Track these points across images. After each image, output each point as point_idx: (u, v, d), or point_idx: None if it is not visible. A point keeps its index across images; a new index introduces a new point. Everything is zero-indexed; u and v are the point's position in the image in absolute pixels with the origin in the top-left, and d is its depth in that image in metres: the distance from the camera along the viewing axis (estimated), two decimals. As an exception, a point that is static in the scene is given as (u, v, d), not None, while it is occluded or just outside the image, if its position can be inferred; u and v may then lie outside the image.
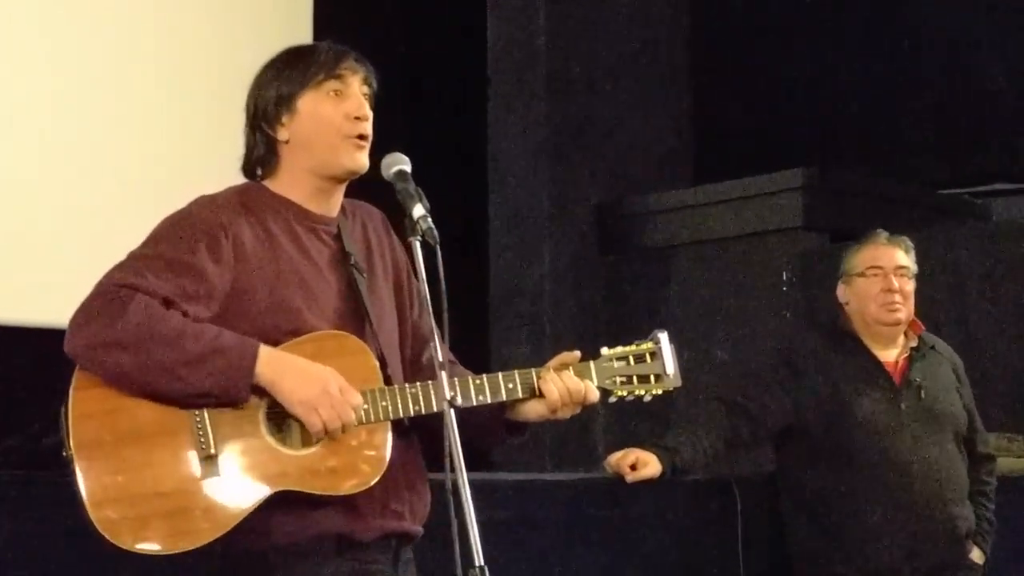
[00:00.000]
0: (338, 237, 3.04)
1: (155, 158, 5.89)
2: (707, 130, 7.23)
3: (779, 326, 6.06)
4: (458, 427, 2.80)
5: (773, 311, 6.19)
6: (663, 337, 3.10)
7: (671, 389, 3.11)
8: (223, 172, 3.19)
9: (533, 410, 3.04)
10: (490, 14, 7.05)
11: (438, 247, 2.85)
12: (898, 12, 6.88)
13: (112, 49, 5.88)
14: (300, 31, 6.30)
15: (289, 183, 3.02)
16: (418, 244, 2.86)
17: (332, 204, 3.06)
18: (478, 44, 7.06)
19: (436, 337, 2.83)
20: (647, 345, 3.09)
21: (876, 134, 6.86)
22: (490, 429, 3.09)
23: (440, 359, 2.81)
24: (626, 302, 6.82)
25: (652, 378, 3.08)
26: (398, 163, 2.95)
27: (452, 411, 2.77)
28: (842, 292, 4.65)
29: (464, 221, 6.75)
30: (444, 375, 2.80)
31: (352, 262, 3.02)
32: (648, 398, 3.11)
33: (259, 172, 3.05)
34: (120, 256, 2.90)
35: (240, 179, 3.10)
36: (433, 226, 2.84)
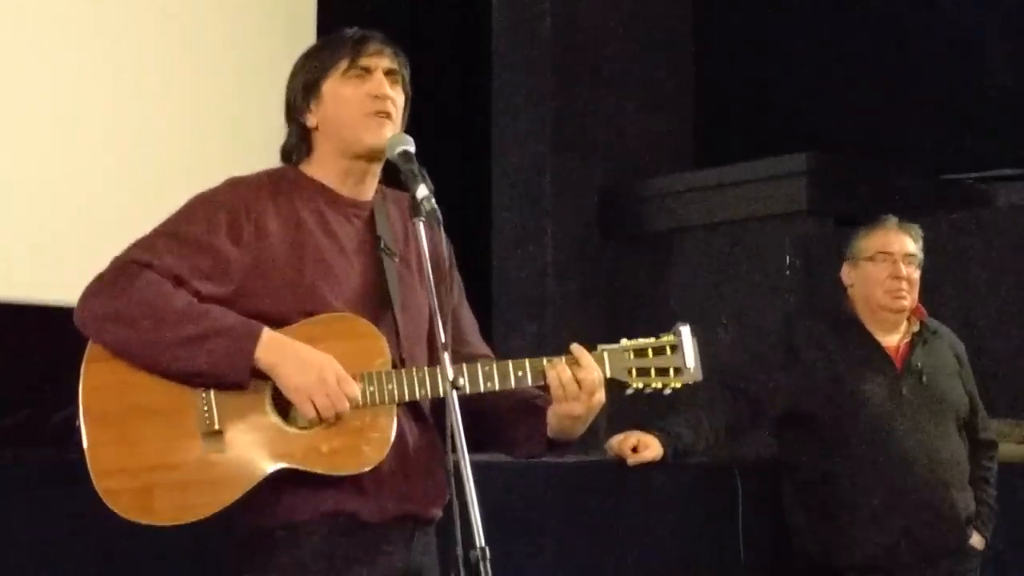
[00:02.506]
0: (370, 221, 3.06)
1: (176, 140, 5.89)
2: (710, 114, 7.21)
3: (782, 310, 6.06)
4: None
5: (776, 295, 6.18)
6: (684, 330, 3.08)
7: (691, 383, 3.09)
8: (245, 155, 3.21)
9: (554, 414, 3.02)
10: (495, 2, 7.04)
11: (442, 228, 2.87)
12: (903, -2, 6.88)
13: (126, 40, 5.88)
14: (304, 24, 6.30)
15: (321, 167, 3.06)
16: (422, 224, 2.88)
17: (365, 187, 3.08)
18: (482, 28, 7.05)
19: (438, 318, 2.82)
20: (668, 338, 3.07)
21: (880, 119, 6.84)
22: (528, 439, 3.09)
23: (443, 340, 2.81)
24: (629, 286, 6.81)
25: (672, 371, 3.06)
26: (402, 143, 2.97)
27: (455, 393, 2.76)
28: (847, 274, 4.65)
29: (467, 205, 6.75)
30: (447, 356, 2.80)
31: (382, 246, 3.03)
32: (668, 391, 3.09)
33: (294, 158, 3.10)
34: (135, 234, 2.95)
35: (266, 162, 3.15)
36: (437, 207, 2.85)
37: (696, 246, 6.61)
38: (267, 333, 2.86)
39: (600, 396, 3.00)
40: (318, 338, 2.89)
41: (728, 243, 6.46)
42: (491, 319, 6.58)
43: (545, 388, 3.00)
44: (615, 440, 4.37)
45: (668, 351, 3.06)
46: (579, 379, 2.97)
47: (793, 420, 4.58)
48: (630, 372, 3.04)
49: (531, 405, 3.07)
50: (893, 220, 4.63)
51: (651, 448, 4.31)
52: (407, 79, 3.11)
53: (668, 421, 4.41)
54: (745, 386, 4.58)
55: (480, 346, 3.23)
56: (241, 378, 2.85)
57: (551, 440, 3.07)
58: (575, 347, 3.01)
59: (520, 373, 2.97)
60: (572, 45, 6.94)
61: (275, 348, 2.85)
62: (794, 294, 6.13)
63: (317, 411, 2.85)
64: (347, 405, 2.86)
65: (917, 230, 4.63)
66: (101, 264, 2.92)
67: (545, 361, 3.00)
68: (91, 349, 2.89)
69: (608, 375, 3.02)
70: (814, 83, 6.96)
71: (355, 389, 2.87)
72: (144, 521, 2.83)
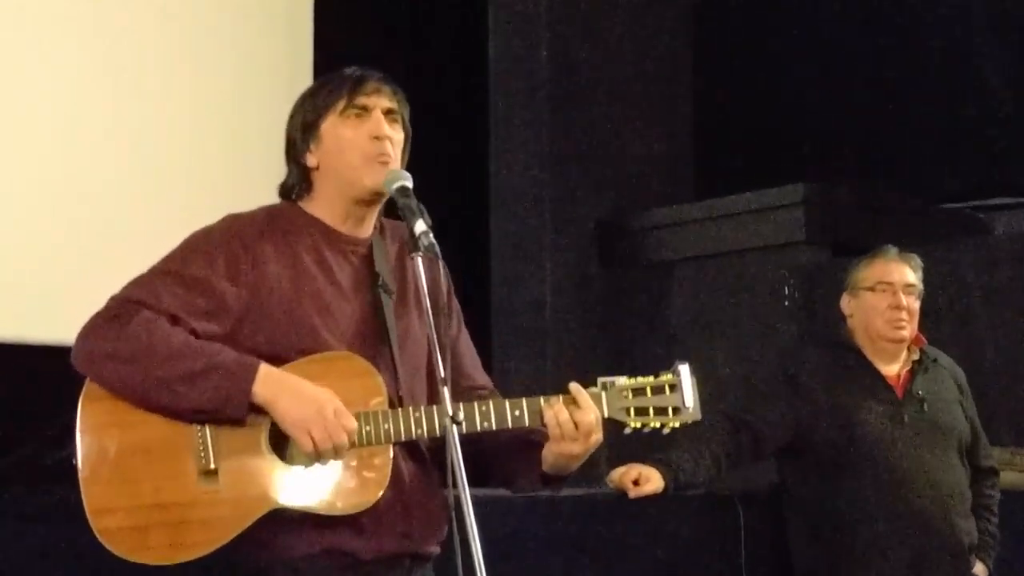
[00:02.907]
0: (368, 258, 3.06)
1: (175, 177, 5.90)
2: (708, 145, 7.23)
3: (781, 340, 6.05)
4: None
5: (775, 325, 6.18)
6: (684, 369, 3.05)
7: (690, 422, 3.06)
8: (244, 190, 3.21)
9: (550, 451, 3.00)
10: (491, 30, 7.06)
11: (440, 263, 2.88)
12: (899, 25, 6.88)
13: (127, 74, 5.89)
14: (301, 59, 6.32)
15: (321, 205, 3.06)
16: (420, 260, 2.88)
17: (364, 225, 3.08)
18: (479, 59, 7.06)
19: (437, 352, 2.82)
20: (667, 377, 3.05)
21: (877, 148, 6.85)
22: (524, 475, 3.08)
23: (442, 374, 2.81)
24: (627, 317, 6.81)
25: (670, 410, 3.03)
26: (400, 179, 2.97)
27: (455, 428, 2.77)
28: (847, 304, 4.65)
29: (466, 235, 6.75)
30: (446, 391, 2.80)
31: (380, 283, 3.03)
32: (666, 431, 3.06)
33: (293, 195, 3.09)
34: (132, 273, 2.96)
35: (264, 196, 3.15)
36: (435, 242, 2.86)
37: (695, 276, 6.61)
38: (264, 368, 2.86)
39: (597, 436, 2.98)
40: (316, 376, 2.89)
41: (727, 273, 6.46)
42: (490, 350, 6.57)
43: (543, 426, 2.98)
44: (616, 473, 4.35)
45: (667, 390, 3.04)
46: (576, 420, 2.95)
47: (794, 449, 4.57)
48: (628, 411, 3.02)
49: (527, 440, 3.05)
50: (893, 250, 4.63)
51: (652, 481, 4.30)
52: (406, 117, 3.11)
53: (669, 453, 4.39)
54: (745, 416, 4.57)
55: (480, 377, 3.22)
56: (239, 413, 2.85)
57: (546, 475, 3.06)
58: (573, 386, 2.99)
59: (517, 413, 2.96)
60: (569, 76, 6.96)
61: (272, 383, 2.85)
62: (793, 324, 6.13)
63: (315, 445, 2.84)
64: (345, 439, 2.85)
65: (917, 260, 4.63)
66: (99, 302, 2.92)
67: (542, 401, 2.97)
68: (88, 388, 2.89)
69: (606, 415, 3.00)
70: (812, 113, 6.98)
71: (353, 423, 2.86)
72: (139, 560, 2.82)
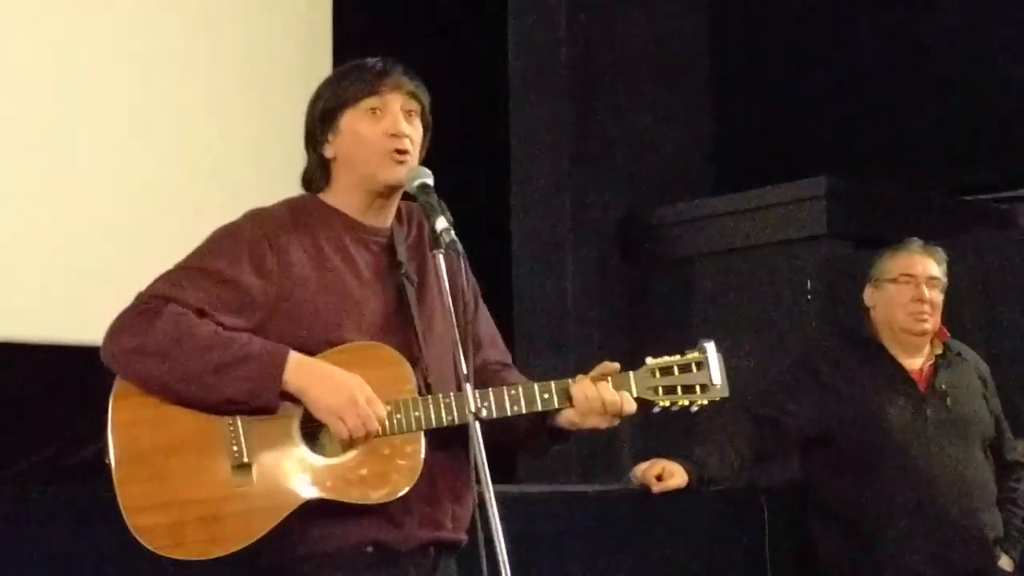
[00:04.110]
0: (390, 247, 3.07)
1: (198, 177, 5.92)
2: (729, 139, 7.21)
3: (803, 334, 6.04)
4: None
5: (797, 320, 6.17)
6: (710, 347, 3.07)
7: (718, 399, 3.09)
8: (263, 185, 3.21)
9: (565, 417, 3.03)
10: (511, 26, 7.05)
11: (462, 259, 2.89)
12: (921, 16, 6.85)
13: (144, 69, 5.91)
14: (319, 54, 6.33)
15: (340, 196, 3.08)
16: (441, 257, 2.89)
17: (384, 214, 3.09)
18: (500, 55, 7.06)
19: (459, 349, 2.85)
20: (693, 355, 3.07)
21: (899, 140, 6.82)
22: (530, 434, 3.10)
23: (464, 371, 2.83)
24: (650, 312, 6.80)
25: (698, 388, 3.05)
26: (420, 176, 2.99)
27: (477, 423, 2.79)
28: (869, 296, 4.64)
29: (487, 231, 6.75)
30: (469, 387, 2.83)
31: (403, 271, 3.04)
32: (695, 408, 3.08)
33: (314, 186, 3.11)
34: (159, 271, 2.97)
35: (285, 190, 3.16)
36: (456, 239, 2.87)
37: (717, 271, 6.60)
38: (294, 356, 2.87)
39: (629, 408, 3.02)
40: (344, 366, 2.90)
41: (748, 268, 6.44)
42: (513, 346, 6.55)
43: (570, 406, 3.00)
44: (639, 469, 4.36)
45: (694, 368, 3.06)
46: (604, 400, 2.98)
47: (817, 444, 4.57)
48: (656, 390, 3.05)
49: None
50: (917, 243, 4.62)
51: (676, 476, 4.30)
52: (427, 109, 3.12)
53: (693, 449, 4.40)
54: (768, 411, 4.57)
55: (494, 354, 3.24)
56: (271, 403, 2.86)
57: (553, 428, 3.07)
58: (602, 366, 3.03)
59: (547, 396, 2.98)
60: (590, 71, 6.94)
61: (303, 371, 2.87)
62: (816, 318, 6.11)
63: (349, 432, 2.85)
64: (377, 425, 2.87)
65: (941, 253, 4.62)
66: (124, 302, 2.94)
67: (570, 381, 3.01)
68: (118, 386, 2.90)
69: (635, 394, 3.03)
70: (833, 106, 6.95)
71: (383, 410, 2.88)
72: (176, 556, 2.84)
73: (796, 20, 7.18)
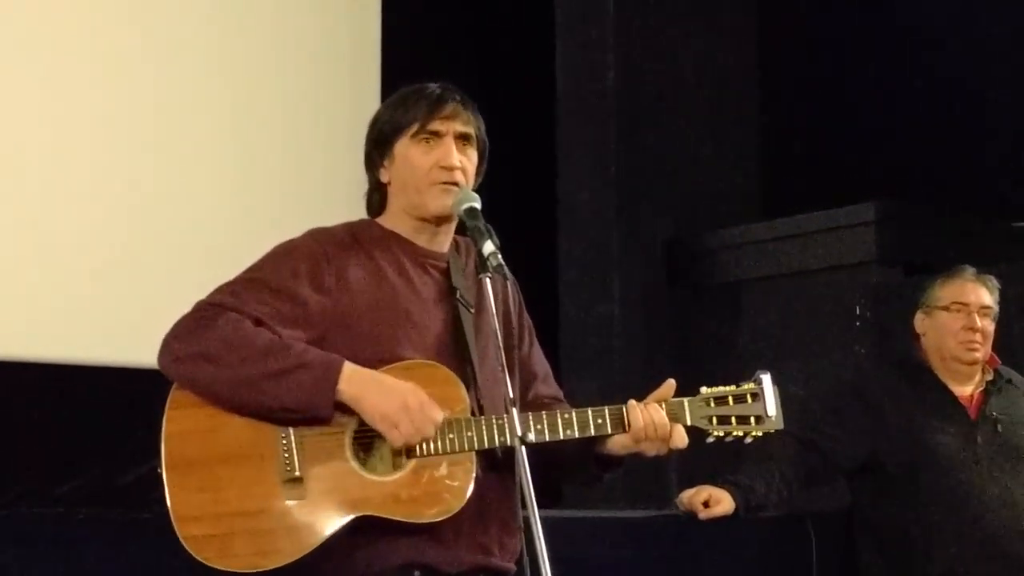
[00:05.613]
0: (447, 272, 3.09)
1: (253, 198, 5.95)
2: (777, 164, 7.19)
3: (852, 361, 6.01)
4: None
5: (846, 346, 6.13)
6: (766, 379, 3.08)
7: (772, 431, 3.09)
8: (325, 209, 3.22)
9: (618, 442, 3.02)
10: (559, 51, 7.07)
11: (509, 284, 2.89)
12: (969, 41, 6.83)
13: (206, 101, 5.94)
14: (368, 80, 6.35)
15: (396, 220, 3.11)
16: (488, 281, 2.90)
17: (440, 240, 3.12)
18: (547, 79, 7.07)
19: (506, 374, 2.85)
20: (749, 386, 3.08)
21: (949, 165, 6.79)
22: (581, 463, 3.10)
23: (510, 395, 2.83)
24: (696, 337, 6.78)
25: (752, 419, 3.06)
26: (468, 200, 3.00)
27: (523, 448, 2.78)
28: (920, 322, 4.61)
29: (534, 256, 6.74)
30: (515, 411, 2.82)
31: (458, 296, 3.06)
32: (748, 440, 3.08)
33: (372, 209, 3.15)
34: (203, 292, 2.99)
35: (343, 213, 3.19)
36: (503, 263, 2.87)
37: (764, 297, 6.57)
38: (348, 366, 2.88)
39: (680, 438, 3.01)
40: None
41: (797, 293, 6.42)
42: (558, 371, 6.54)
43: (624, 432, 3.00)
44: (686, 495, 4.34)
45: (749, 399, 3.07)
46: (657, 423, 2.98)
47: (866, 471, 4.54)
48: (711, 420, 3.05)
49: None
50: (970, 271, 4.60)
51: (723, 503, 4.28)
52: (482, 134, 3.14)
53: (740, 475, 4.37)
54: (817, 437, 4.54)
55: (549, 390, 3.25)
56: (325, 412, 2.87)
57: (601, 456, 3.07)
58: (662, 388, 3.05)
59: (600, 421, 2.98)
60: (637, 96, 6.94)
61: (358, 379, 2.87)
62: (864, 344, 6.08)
63: (404, 439, 2.85)
64: (432, 432, 2.86)
65: (994, 282, 4.59)
66: (168, 321, 2.95)
67: (624, 408, 3.00)
68: (173, 396, 2.92)
69: (688, 423, 3.03)
70: (882, 131, 6.92)
71: (439, 414, 2.88)
72: (224, 567, 2.84)
73: (844, 45, 7.16)
